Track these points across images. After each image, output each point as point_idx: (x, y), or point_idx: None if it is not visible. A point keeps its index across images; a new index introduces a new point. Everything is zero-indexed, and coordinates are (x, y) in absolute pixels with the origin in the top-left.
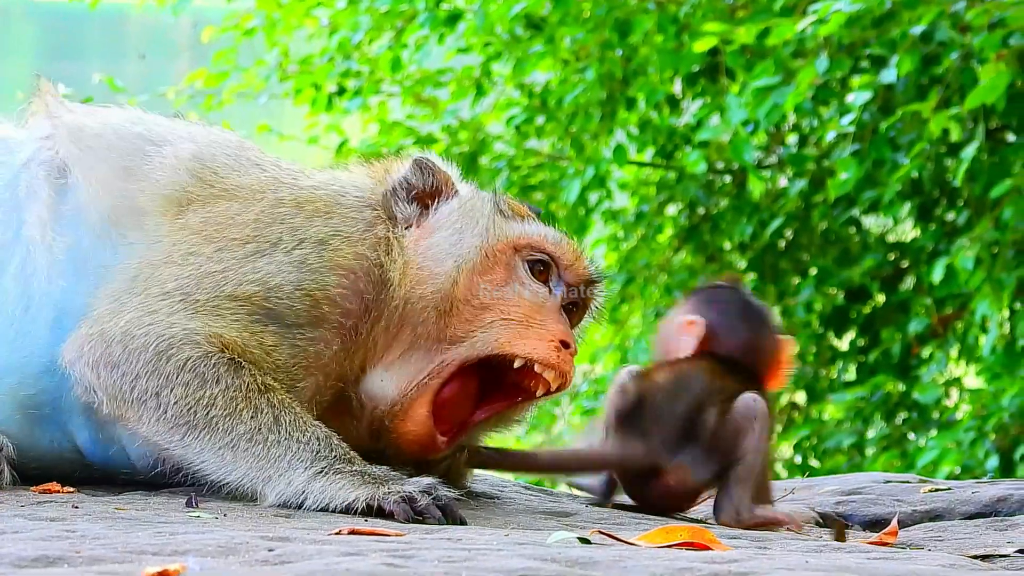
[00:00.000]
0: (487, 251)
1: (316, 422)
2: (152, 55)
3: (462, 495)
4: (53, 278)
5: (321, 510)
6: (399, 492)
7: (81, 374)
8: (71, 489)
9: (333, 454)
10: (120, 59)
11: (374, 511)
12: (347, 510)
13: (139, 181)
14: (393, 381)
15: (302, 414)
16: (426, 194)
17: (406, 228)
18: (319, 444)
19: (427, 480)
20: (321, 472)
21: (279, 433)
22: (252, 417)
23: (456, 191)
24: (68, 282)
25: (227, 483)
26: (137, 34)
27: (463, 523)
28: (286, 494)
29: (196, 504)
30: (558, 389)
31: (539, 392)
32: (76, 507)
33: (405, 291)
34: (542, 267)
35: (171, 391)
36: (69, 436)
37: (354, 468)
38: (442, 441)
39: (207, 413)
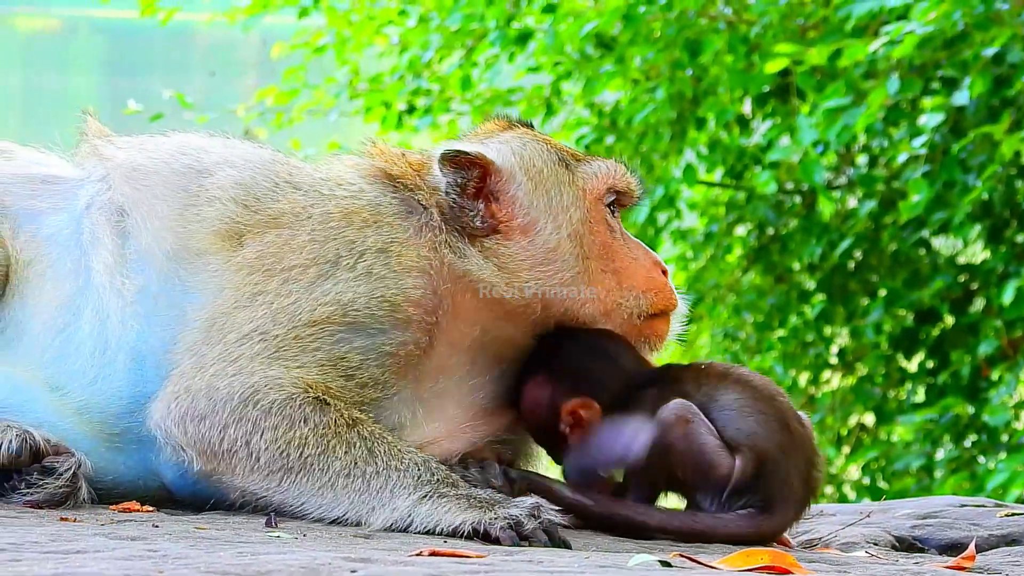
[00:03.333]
0: (587, 215)
1: (411, 448)
2: (221, 71)
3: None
4: (126, 321)
5: (427, 533)
6: (506, 517)
7: (168, 432)
8: (150, 508)
9: (435, 478)
10: (188, 75)
11: (480, 535)
12: (453, 534)
13: (193, 219)
14: None
15: (395, 442)
16: (477, 186)
17: (486, 234)
18: (419, 469)
19: (531, 500)
20: (426, 496)
21: (376, 464)
22: (346, 452)
23: (495, 165)
24: (141, 324)
25: (331, 519)
26: (205, 50)
27: (567, 546)
28: (392, 519)
29: (275, 524)
30: None
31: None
32: (156, 526)
33: (528, 296)
34: (619, 205)
35: (260, 436)
36: (154, 472)
37: (458, 491)
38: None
39: (300, 454)
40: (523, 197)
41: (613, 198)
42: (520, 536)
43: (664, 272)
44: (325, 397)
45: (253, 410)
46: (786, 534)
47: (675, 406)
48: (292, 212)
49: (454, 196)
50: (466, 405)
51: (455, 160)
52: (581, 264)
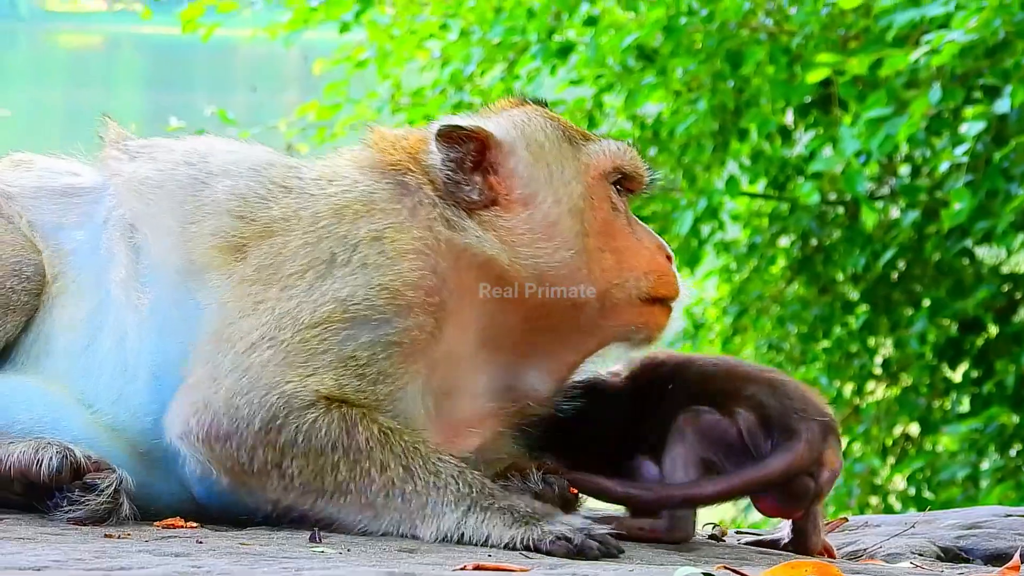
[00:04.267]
0: (589, 192)
1: (445, 457)
2: (262, 87)
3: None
4: (144, 337)
5: (474, 545)
6: (553, 533)
7: (193, 449)
8: (194, 524)
9: (472, 491)
10: (230, 91)
11: (531, 549)
12: (502, 547)
13: (195, 233)
14: (544, 377)
15: (429, 454)
16: (475, 159)
17: (484, 208)
18: (456, 483)
19: (579, 521)
20: (468, 510)
21: (414, 483)
22: (381, 473)
23: (497, 139)
24: (156, 340)
25: (372, 533)
26: (247, 66)
27: (620, 554)
28: (437, 536)
29: (319, 539)
30: None
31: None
32: (200, 542)
33: (527, 273)
34: (626, 188)
35: (291, 461)
36: (185, 487)
37: (498, 504)
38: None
39: (335, 478)
40: (523, 170)
41: (619, 178)
42: (574, 548)
43: (668, 258)
44: (346, 410)
45: (279, 436)
46: (831, 543)
47: None
48: (283, 218)
49: (448, 171)
50: (479, 395)
51: (450, 135)
52: (581, 241)
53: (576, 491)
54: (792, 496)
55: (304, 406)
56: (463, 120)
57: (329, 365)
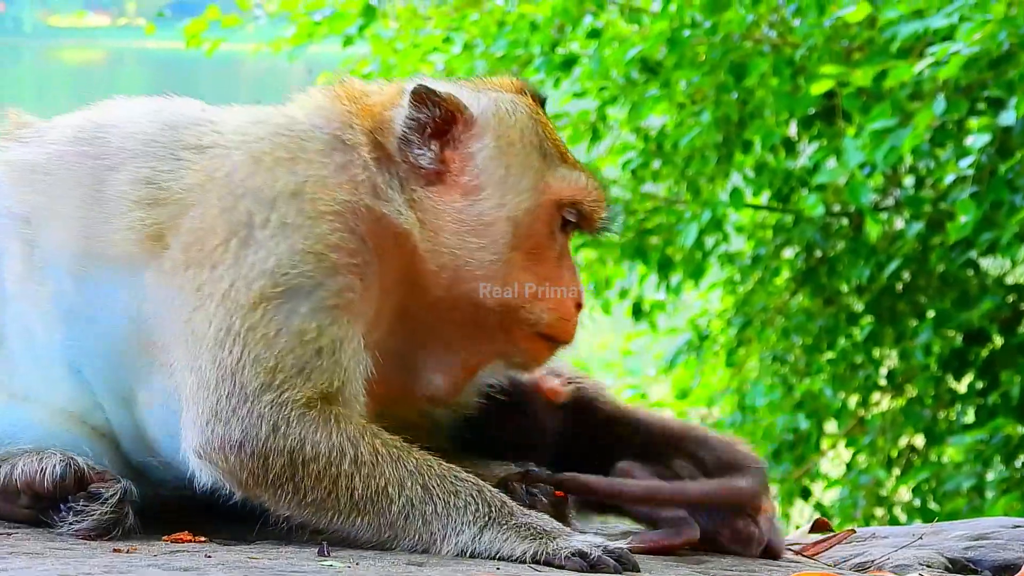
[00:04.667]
0: (536, 212)
1: (462, 475)
2: (266, 101)
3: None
4: (52, 330)
5: (491, 558)
6: (568, 548)
7: (210, 462)
8: (203, 538)
9: (492, 509)
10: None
11: (543, 563)
12: (515, 562)
13: (103, 222)
14: (440, 373)
15: (446, 472)
16: (439, 127)
17: (426, 182)
18: (476, 503)
19: (597, 538)
20: (485, 527)
21: (435, 504)
22: (399, 493)
23: (471, 116)
24: (68, 332)
25: (389, 550)
26: (251, 80)
27: (637, 570)
28: (458, 549)
29: (328, 553)
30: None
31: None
32: (209, 556)
33: (442, 261)
34: (573, 224)
35: (304, 479)
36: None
37: (516, 520)
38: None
39: (350, 496)
40: (482, 159)
41: (574, 215)
42: (588, 564)
43: (579, 305)
44: (349, 414)
45: (286, 447)
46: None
47: None
48: (199, 184)
49: (407, 129)
50: (406, 363)
51: (425, 97)
52: (507, 253)
53: (563, 494)
54: (739, 540)
55: (295, 417)
56: (442, 86)
57: (289, 350)
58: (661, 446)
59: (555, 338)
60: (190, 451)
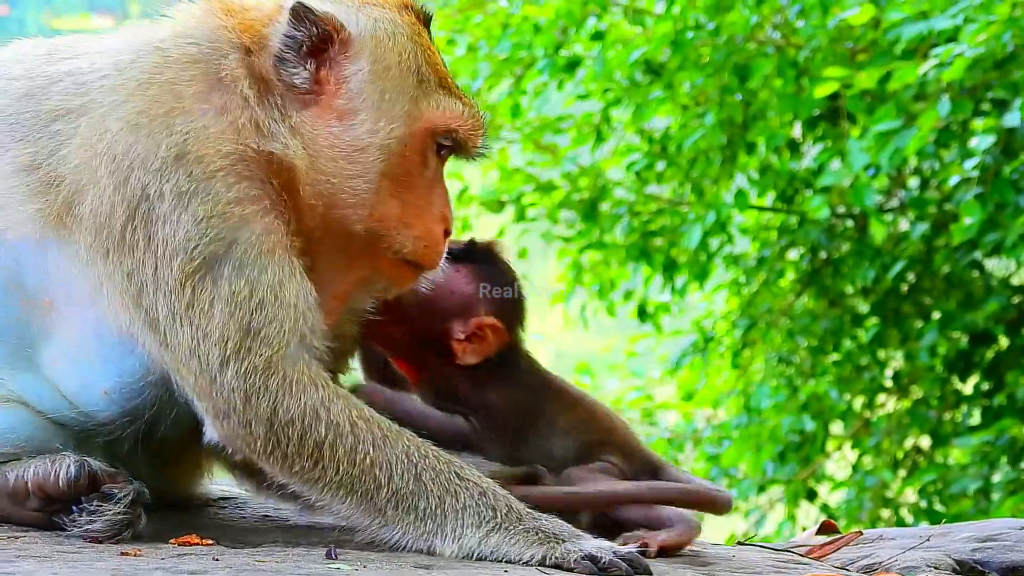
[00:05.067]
0: (409, 140)
1: (465, 475)
2: None
3: None
4: None
5: (496, 561)
6: (579, 551)
7: (215, 430)
8: (210, 541)
9: (497, 514)
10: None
11: (552, 566)
12: (525, 565)
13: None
14: (325, 291)
15: (441, 465)
16: (315, 46)
17: (303, 104)
18: (478, 506)
19: (608, 543)
20: (492, 531)
21: (428, 501)
22: (388, 478)
23: (349, 37)
24: None
25: (386, 541)
26: None
27: (649, 573)
28: (462, 551)
29: (335, 556)
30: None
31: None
32: (216, 559)
33: (319, 188)
34: (448, 148)
35: (288, 445)
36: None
37: (524, 525)
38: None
39: (336, 469)
40: (357, 82)
41: (449, 141)
42: (598, 568)
43: (446, 232)
44: (303, 367)
45: (262, 414)
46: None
47: None
48: (85, 163)
49: (283, 47)
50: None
51: (303, 15)
52: (377, 179)
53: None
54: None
55: (263, 382)
56: (320, 5)
57: (229, 317)
58: (589, 443)
59: (420, 264)
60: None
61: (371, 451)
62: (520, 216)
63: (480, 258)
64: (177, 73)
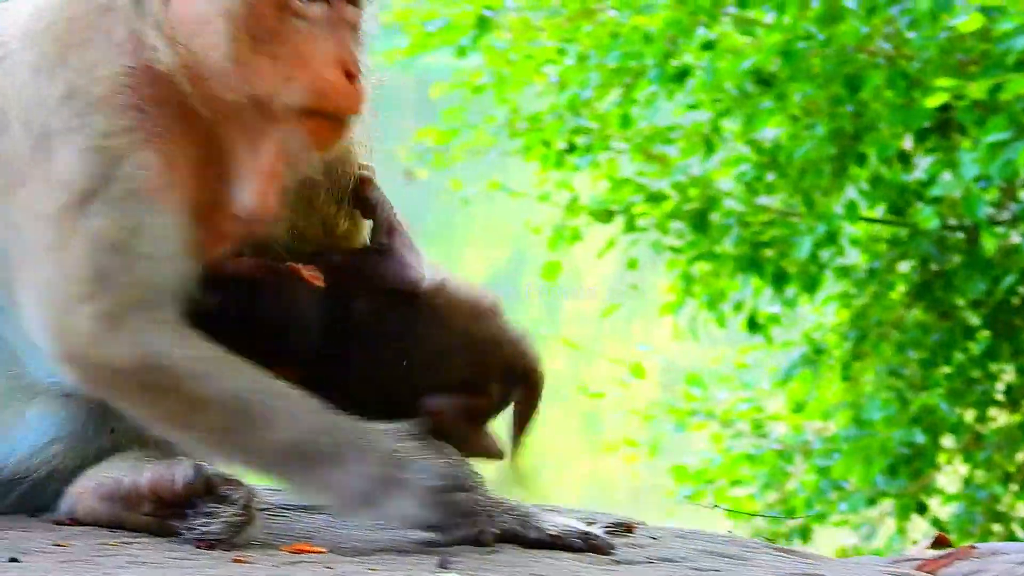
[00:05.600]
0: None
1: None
2: (379, 112)
3: None
4: None
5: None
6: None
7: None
8: (322, 549)
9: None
10: None
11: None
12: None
13: None
14: (245, 188)
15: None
16: None
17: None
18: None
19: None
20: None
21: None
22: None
23: None
24: None
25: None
26: None
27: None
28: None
29: (448, 566)
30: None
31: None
32: (329, 567)
33: (189, 76)
34: None
35: (134, 391)
36: None
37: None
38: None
39: (191, 412)
40: None
41: None
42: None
43: (350, 74)
44: (153, 314)
45: (103, 359)
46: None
47: None
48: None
49: None
50: (222, 197)
51: None
52: (230, 44)
53: None
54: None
55: (107, 326)
56: None
57: (87, 258)
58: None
59: (322, 111)
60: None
61: (213, 395)
62: (630, 226)
63: None
64: (75, 8)
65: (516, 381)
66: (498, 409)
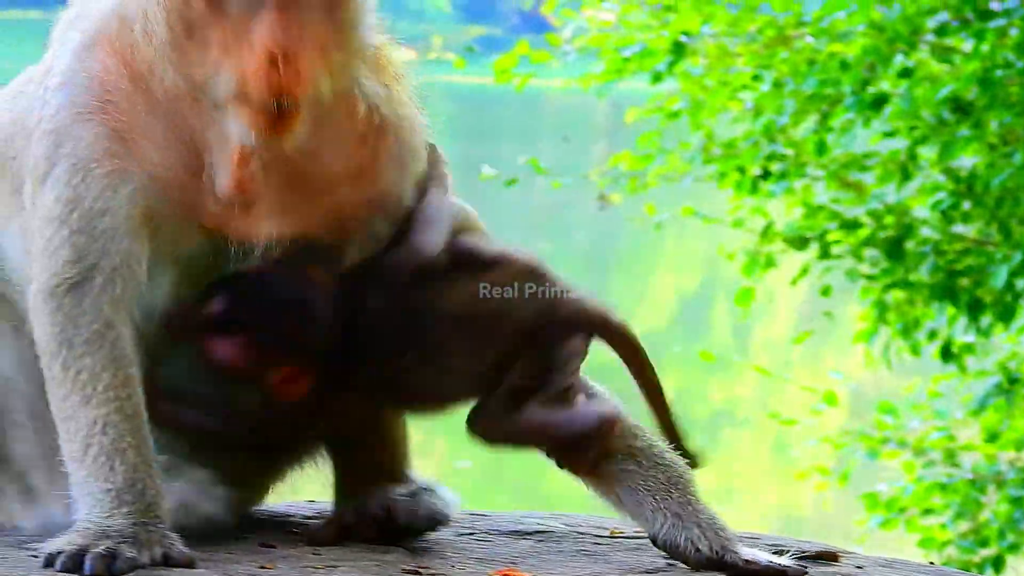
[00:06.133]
0: None
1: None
2: (573, 136)
3: None
4: None
5: None
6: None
7: None
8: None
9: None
10: (540, 140)
11: None
12: None
13: None
14: (217, 172)
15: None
16: None
17: None
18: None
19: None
20: None
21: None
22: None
23: None
24: None
25: None
26: (556, 115)
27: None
28: None
29: None
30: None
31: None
32: None
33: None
34: None
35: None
36: None
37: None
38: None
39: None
40: None
41: None
42: None
43: (272, 59)
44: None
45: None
46: None
47: None
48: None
49: None
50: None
51: None
52: (167, 34)
53: None
54: None
55: (43, 299)
56: None
57: (40, 235)
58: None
59: (251, 99)
60: None
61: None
62: (824, 253)
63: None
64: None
65: (584, 338)
66: (563, 372)
